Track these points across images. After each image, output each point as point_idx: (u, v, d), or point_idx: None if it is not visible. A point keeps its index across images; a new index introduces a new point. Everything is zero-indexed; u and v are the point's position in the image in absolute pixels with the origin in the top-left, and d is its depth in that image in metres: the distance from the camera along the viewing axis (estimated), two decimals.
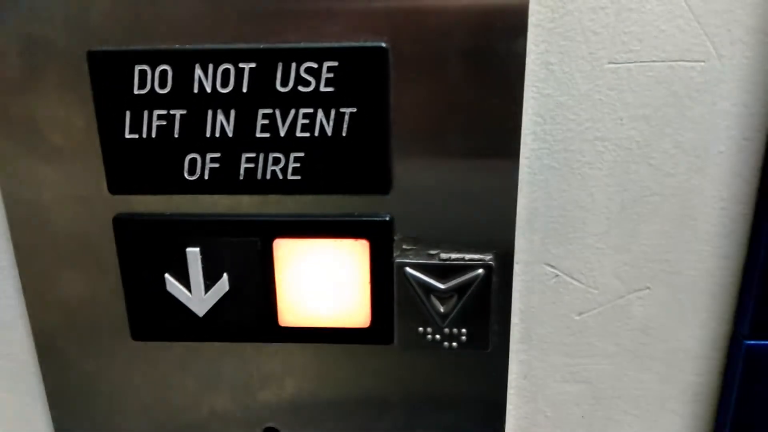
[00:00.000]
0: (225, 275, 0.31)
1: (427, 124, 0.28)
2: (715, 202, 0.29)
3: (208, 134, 0.28)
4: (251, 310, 0.31)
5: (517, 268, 0.31)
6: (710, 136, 0.28)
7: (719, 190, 0.29)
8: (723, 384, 0.32)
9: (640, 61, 0.27)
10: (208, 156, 0.29)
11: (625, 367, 0.33)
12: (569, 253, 0.31)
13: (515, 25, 0.26)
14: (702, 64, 0.27)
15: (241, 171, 0.29)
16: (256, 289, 0.31)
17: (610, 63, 0.27)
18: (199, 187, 0.29)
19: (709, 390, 0.33)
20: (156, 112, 0.28)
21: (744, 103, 0.28)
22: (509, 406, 0.34)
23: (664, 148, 0.29)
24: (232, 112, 0.28)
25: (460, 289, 0.30)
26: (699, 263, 0.30)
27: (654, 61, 0.27)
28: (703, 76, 0.27)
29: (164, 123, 0.28)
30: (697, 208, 0.30)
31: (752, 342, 0.30)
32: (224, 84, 0.28)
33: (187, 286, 0.31)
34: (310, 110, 0.28)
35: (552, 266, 0.31)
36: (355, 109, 0.28)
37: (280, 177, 0.29)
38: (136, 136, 0.29)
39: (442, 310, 0.31)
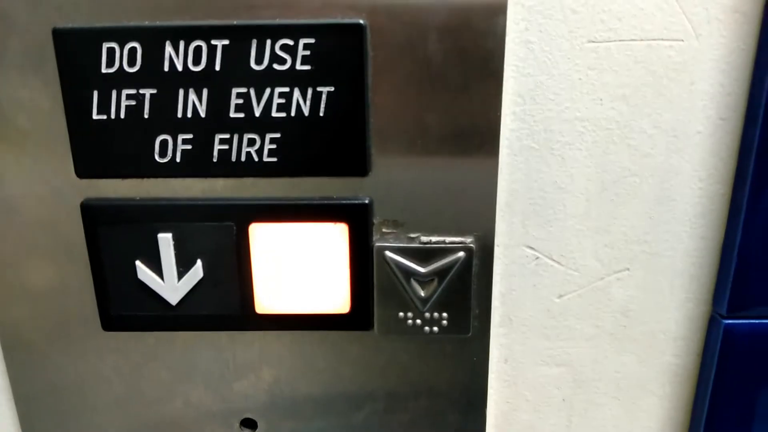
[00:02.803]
0: (199, 261, 0.30)
1: (406, 104, 0.28)
2: (693, 182, 0.30)
3: (179, 115, 0.27)
4: (227, 297, 0.30)
5: (497, 251, 0.31)
6: (688, 116, 0.28)
7: (697, 171, 0.29)
8: (701, 364, 0.33)
9: (620, 40, 0.27)
10: (180, 137, 0.28)
11: (604, 349, 0.33)
12: (549, 235, 0.30)
13: (495, 2, 0.26)
14: (680, 43, 0.27)
15: (215, 153, 0.28)
16: (231, 275, 0.30)
17: (589, 42, 0.27)
18: (171, 170, 0.29)
19: (687, 371, 0.33)
20: (125, 92, 0.27)
21: (720, 83, 0.28)
22: (490, 390, 0.33)
23: (642, 128, 0.29)
24: (205, 92, 0.27)
25: (440, 273, 0.30)
26: (677, 244, 0.31)
27: (633, 40, 0.27)
28: (681, 56, 0.27)
29: (133, 103, 0.27)
30: (675, 188, 0.30)
31: (730, 322, 0.31)
32: (196, 62, 0.27)
33: (160, 274, 0.30)
34: (286, 89, 0.27)
35: (532, 248, 0.31)
36: (332, 88, 0.27)
37: (256, 159, 0.28)
38: (105, 117, 0.28)
39: (422, 294, 0.30)
